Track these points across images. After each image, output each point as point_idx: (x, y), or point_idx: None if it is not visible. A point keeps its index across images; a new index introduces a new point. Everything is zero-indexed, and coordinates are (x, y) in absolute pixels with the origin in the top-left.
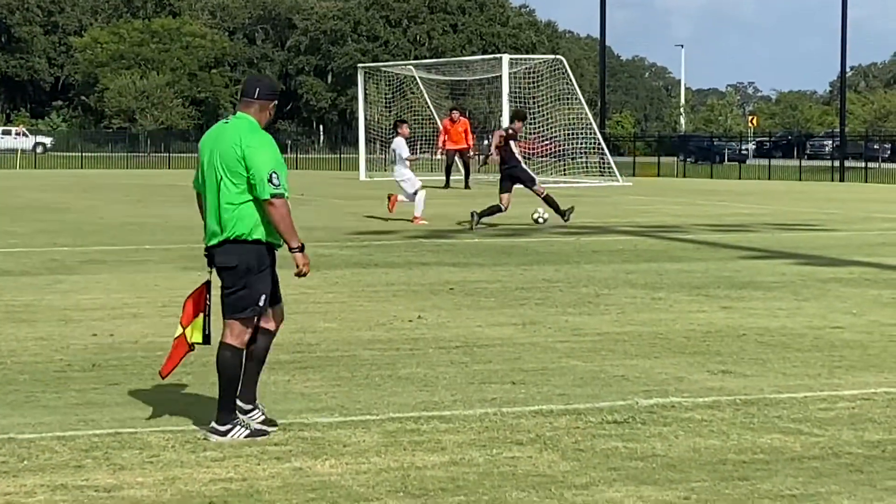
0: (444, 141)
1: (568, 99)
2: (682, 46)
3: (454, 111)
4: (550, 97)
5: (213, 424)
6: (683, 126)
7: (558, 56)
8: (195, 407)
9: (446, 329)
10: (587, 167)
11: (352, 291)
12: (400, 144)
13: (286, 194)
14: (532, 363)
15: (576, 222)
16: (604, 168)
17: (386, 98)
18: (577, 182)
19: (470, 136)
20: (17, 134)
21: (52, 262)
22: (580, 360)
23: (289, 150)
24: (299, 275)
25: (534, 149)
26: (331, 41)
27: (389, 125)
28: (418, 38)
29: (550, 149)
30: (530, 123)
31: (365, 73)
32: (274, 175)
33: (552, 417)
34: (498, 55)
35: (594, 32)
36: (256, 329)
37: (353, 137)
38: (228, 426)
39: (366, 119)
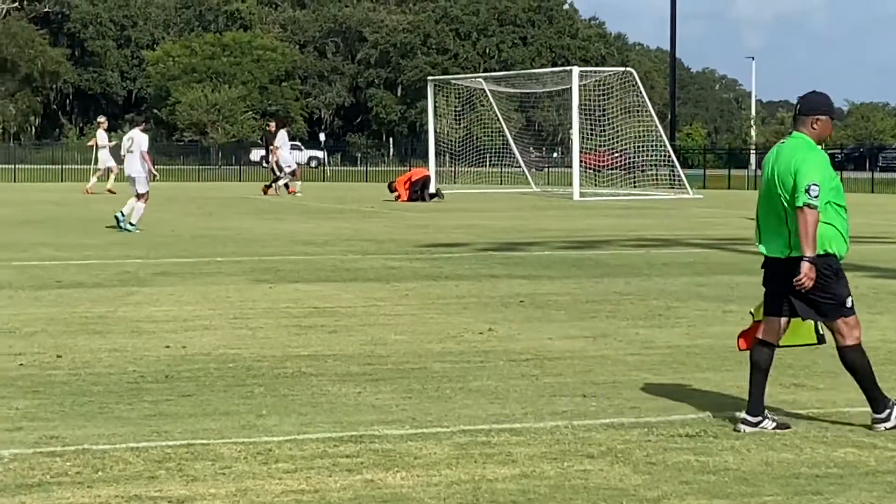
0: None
1: (638, 111)
2: (752, 58)
3: None
4: (620, 109)
5: (875, 415)
6: (754, 138)
7: (628, 68)
8: (267, 418)
9: (517, 341)
10: (657, 179)
11: (422, 304)
12: None
13: (818, 206)
14: (603, 376)
15: (646, 234)
16: (674, 180)
17: (455, 110)
18: (648, 194)
19: None
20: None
21: (125, 274)
22: (651, 372)
23: (359, 162)
24: (799, 283)
25: (604, 161)
26: (401, 54)
27: (459, 138)
28: (488, 50)
29: (620, 161)
30: (600, 136)
31: (435, 85)
32: (813, 187)
33: (623, 430)
34: (568, 67)
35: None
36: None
37: (422, 150)
38: (887, 412)
39: (435, 131)
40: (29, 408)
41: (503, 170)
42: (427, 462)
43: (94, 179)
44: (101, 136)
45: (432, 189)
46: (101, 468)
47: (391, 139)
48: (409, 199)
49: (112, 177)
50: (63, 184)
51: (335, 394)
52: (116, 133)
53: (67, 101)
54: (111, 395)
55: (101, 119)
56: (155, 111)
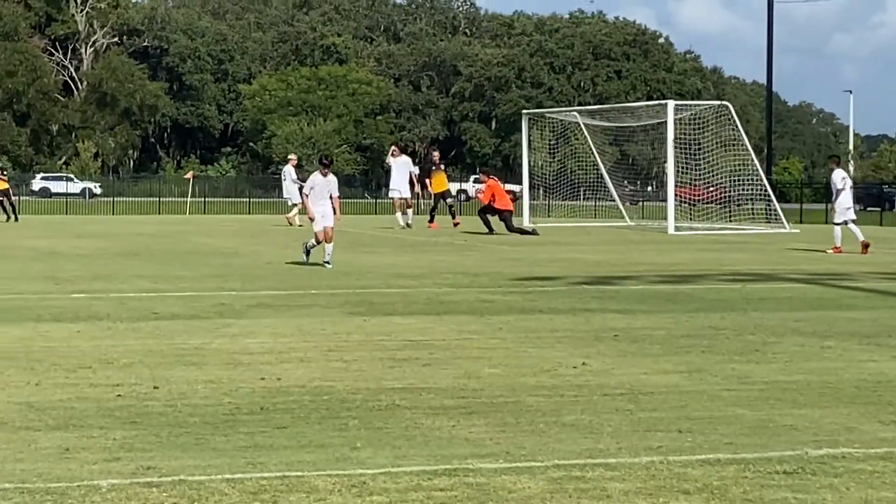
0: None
1: (734, 145)
2: (850, 92)
3: None
4: (716, 143)
5: None
6: (852, 172)
7: (724, 102)
8: (361, 451)
9: (611, 376)
10: (753, 213)
11: (516, 337)
12: None
13: None
14: (698, 411)
15: (742, 269)
16: (770, 214)
17: (549, 144)
18: (743, 228)
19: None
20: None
21: (220, 306)
22: (748, 408)
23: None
24: None
25: (699, 195)
26: (495, 87)
27: (553, 171)
28: (582, 84)
29: (716, 195)
30: (695, 169)
31: (529, 119)
32: None
33: (720, 466)
34: (663, 101)
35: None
36: None
37: (515, 183)
38: None
39: (529, 165)
40: (126, 438)
41: (597, 203)
42: (521, 496)
43: (295, 211)
44: (290, 171)
45: (526, 226)
46: (197, 499)
47: None
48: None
49: (296, 210)
50: (160, 216)
51: (429, 427)
52: (212, 166)
53: (165, 135)
54: (207, 426)
55: (292, 156)
56: (251, 144)
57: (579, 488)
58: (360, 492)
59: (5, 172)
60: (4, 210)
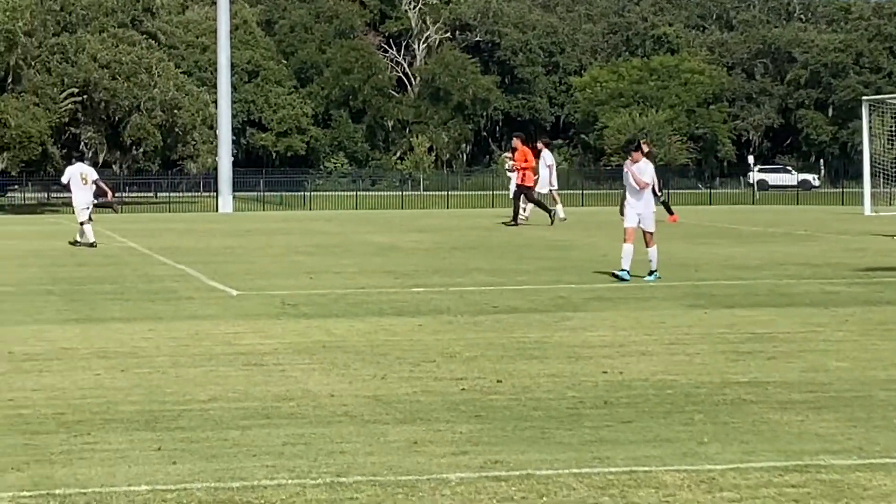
0: None
1: None
2: None
3: None
4: None
5: None
6: None
7: None
8: (708, 446)
9: None
10: None
11: (863, 329)
12: None
13: None
14: None
15: None
16: None
17: (889, 131)
18: None
19: None
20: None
21: (558, 300)
22: None
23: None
24: None
25: None
26: (832, 74)
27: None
28: None
29: None
30: None
31: (869, 105)
32: None
33: None
34: None
35: None
36: None
37: (854, 171)
38: None
39: (870, 153)
40: (472, 432)
41: None
42: (878, 494)
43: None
44: (548, 156)
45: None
46: (545, 493)
47: (821, 160)
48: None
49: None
50: (493, 210)
51: (777, 421)
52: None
53: (497, 128)
54: (551, 420)
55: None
56: (582, 136)
57: None
58: (709, 488)
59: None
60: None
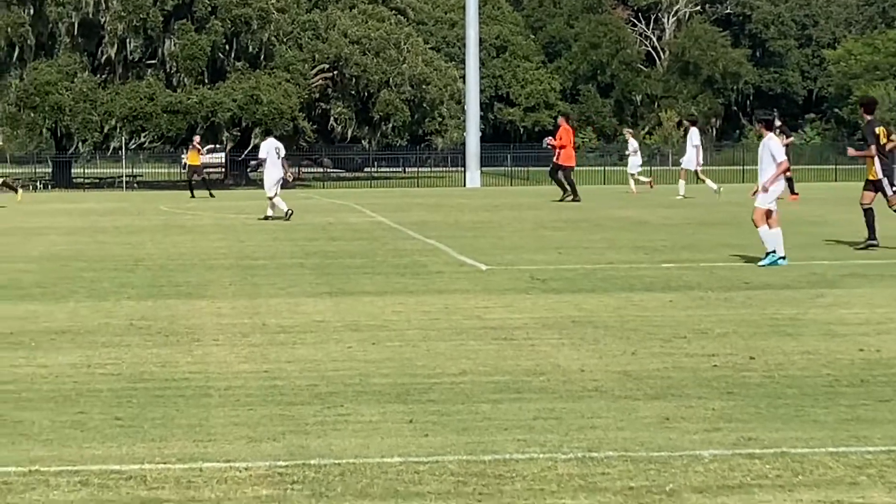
0: None
1: None
2: None
3: None
4: None
5: None
6: None
7: None
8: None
9: None
10: None
11: None
12: None
13: None
14: None
15: None
16: None
17: None
18: None
19: None
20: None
21: (812, 276)
22: None
23: None
24: None
25: None
26: None
27: None
28: None
29: None
30: None
31: None
32: None
33: None
34: None
35: None
36: None
37: None
38: None
39: None
40: (725, 409)
41: None
42: None
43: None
44: (696, 136)
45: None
46: (801, 472)
47: None
48: None
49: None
50: (742, 184)
51: None
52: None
53: (747, 102)
54: (806, 397)
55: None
56: (836, 110)
57: None
58: None
59: (198, 145)
60: (191, 187)
